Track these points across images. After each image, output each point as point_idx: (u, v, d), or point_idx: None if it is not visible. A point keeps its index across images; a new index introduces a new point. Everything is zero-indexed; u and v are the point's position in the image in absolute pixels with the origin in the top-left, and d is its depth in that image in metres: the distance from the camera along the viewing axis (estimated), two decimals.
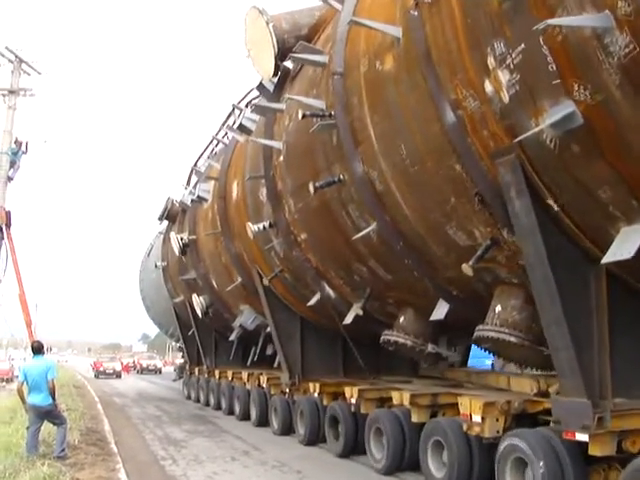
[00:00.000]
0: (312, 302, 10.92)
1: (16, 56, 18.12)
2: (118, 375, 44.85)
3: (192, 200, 16.93)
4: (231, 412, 17.05)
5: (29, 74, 18.36)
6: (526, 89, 5.46)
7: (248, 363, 18.24)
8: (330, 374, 12.88)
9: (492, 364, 22.34)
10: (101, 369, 45.78)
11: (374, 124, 7.64)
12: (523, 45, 5.33)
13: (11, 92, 17.98)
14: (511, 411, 7.51)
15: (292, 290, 12.27)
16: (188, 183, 19.42)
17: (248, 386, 16.02)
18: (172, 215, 20.79)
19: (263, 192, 11.38)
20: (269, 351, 16.97)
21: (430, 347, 9.07)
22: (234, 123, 15.77)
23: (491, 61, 5.69)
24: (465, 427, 7.61)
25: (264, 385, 14.58)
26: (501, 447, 6.94)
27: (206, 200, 15.66)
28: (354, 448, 10.57)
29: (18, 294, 18.31)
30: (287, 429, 13.22)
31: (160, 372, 51.17)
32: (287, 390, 13.00)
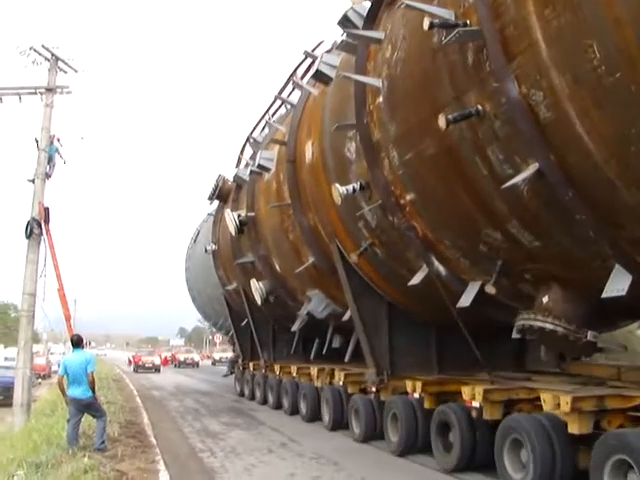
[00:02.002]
0: (415, 281, 8.80)
1: (52, 54, 17.93)
2: (157, 369, 44.12)
3: (251, 171, 14.82)
4: (295, 412, 15.18)
5: (66, 72, 18.27)
6: None
7: (312, 357, 16.26)
8: (422, 370, 10.81)
9: None
10: (140, 363, 45.41)
11: (544, 23, 5.48)
12: None
13: (48, 90, 17.82)
14: None
15: (382, 269, 10.18)
16: (242, 153, 17.45)
17: (317, 383, 14.01)
18: (224, 194, 18.70)
19: (351, 147, 9.31)
20: (336, 343, 14.94)
21: (590, 335, 6.90)
22: (294, 85, 13.80)
23: None
24: None
25: (340, 383, 12.52)
26: None
27: (268, 170, 13.64)
28: (470, 461, 8.48)
29: (57, 289, 17.96)
30: (371, 434, 11.18)
31: (197, 366, 50.69)
32: (373, 389, 10.92)
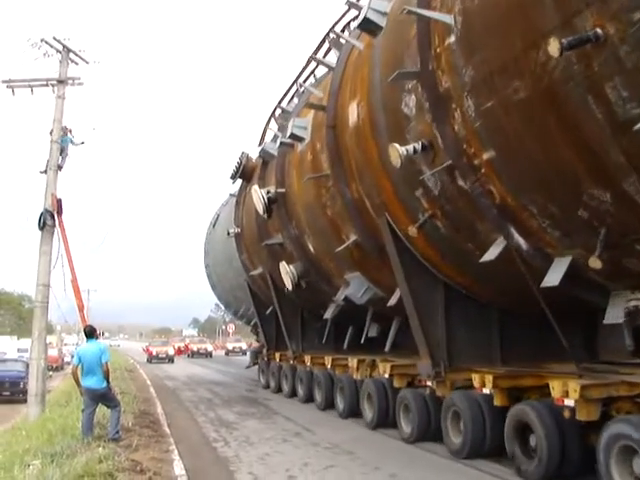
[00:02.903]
0: (490, 256, 7.47)
1: (64, 46, 17.59)
2: (171, 359, 43.30)
3: (281, 143, 13.50)
4: (329, 406, 13.95)
5: (77, 63, 17.94)
6: None
7: (344, 347, 14.94)
8: (483, 360, 9.50)
9: None
10: (154, 353, 44.26)
11: None
12: None
13: (59, 82, 17.51)
14: None
15: (442, 245, 8.82)
16: (268, 125, 16.20)
17: (357, 376, 12.69)
18: (248, 172, 17.45)
19: (409, 101, 7.96)
20: (373, 332, 13.61)
21: None
22: (331, 43, 12.44)
23: None
24: None
25: (385, 375, 11.20)
26: None
27: (302, 140, 12.27)
28: (558, 471, 7.17)
29: (70, 279, 17.68)
30: (424, 434, 9.92)
31: (211, 356, 50.30)
32: (428, 383, 9.64)
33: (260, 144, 17.31)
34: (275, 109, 15.81)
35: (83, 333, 11.76)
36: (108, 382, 10.26)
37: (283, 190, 13.62)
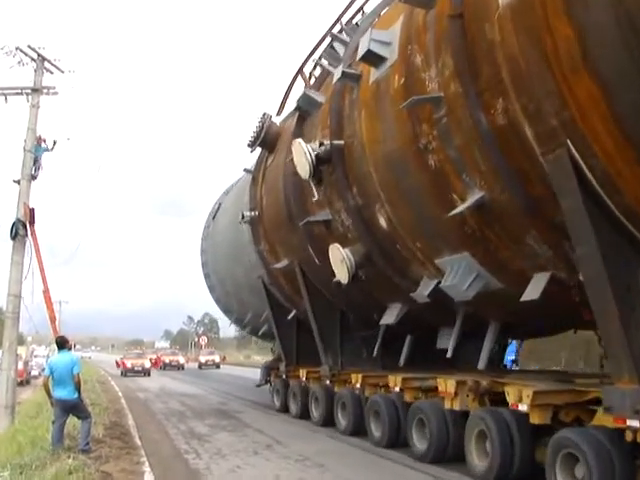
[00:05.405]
0: None
1: (39, 54, 17.71)
2: (147, 373, 40.67)
3: (343, 74, 9.88)
4: (395, 444, 10.48)
5: (52, 72, 18.01)
6: None
7: (401, 363, 11.60)
8: None
9: (512, 360, 18.68)
10: (129, 366, 41.71)
11: None
12: None
13: (34, 90, 17.63)
14: None
15: None
16: (295, 79, 12.98)
17: (453, 405, 9.06)
18: (270, 138, 13.80)
19: None
20: (448, 342, 9.95)
21: None
22: None
23: None
24: None
25: (523, 407, 7.55)
26: None
27: (381, 61, 8.68)
28: None
29: (42, 290, 17.70)
30: None
31: (183, 368, 49.60)
32: (632, 422, 5.88)
33: (279, 112, 14.06)
34: (313, 50, 12.24)
35: (55, 344, 11.74)
36: (79, 393, 10.20)
37: (342, 142, 9.97)
